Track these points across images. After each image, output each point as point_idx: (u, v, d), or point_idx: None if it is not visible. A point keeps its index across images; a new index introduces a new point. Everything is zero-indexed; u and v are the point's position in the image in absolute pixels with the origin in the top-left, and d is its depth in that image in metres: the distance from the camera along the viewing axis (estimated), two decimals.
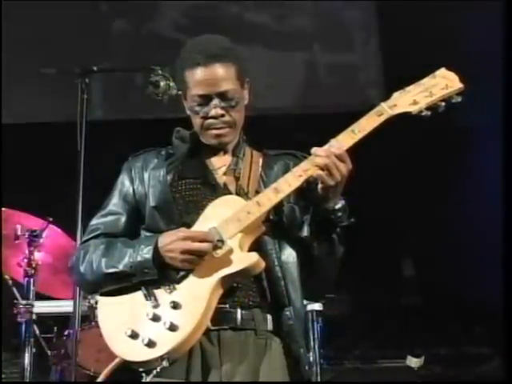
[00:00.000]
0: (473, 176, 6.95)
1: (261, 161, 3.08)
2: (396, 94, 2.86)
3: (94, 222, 3.08)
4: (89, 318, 5.04)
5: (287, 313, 2.87)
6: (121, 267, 2.84)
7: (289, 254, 2.93)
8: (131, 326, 2.79)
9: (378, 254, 7.20)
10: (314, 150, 2.81)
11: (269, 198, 2.81)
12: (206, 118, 2.99)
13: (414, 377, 6.43)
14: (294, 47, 8.18)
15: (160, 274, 2.80)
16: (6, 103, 7.23)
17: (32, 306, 4.86)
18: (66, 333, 4.99)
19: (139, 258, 2.81)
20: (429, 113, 2.80)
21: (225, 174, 3.03)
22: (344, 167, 2.79)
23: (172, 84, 4.14)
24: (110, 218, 3.05)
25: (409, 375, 6.46)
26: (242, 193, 2.95)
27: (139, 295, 2.83)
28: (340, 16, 8.19)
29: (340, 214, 2.86)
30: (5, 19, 7.51)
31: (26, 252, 4.91)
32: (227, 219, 2.81)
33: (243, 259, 2.77)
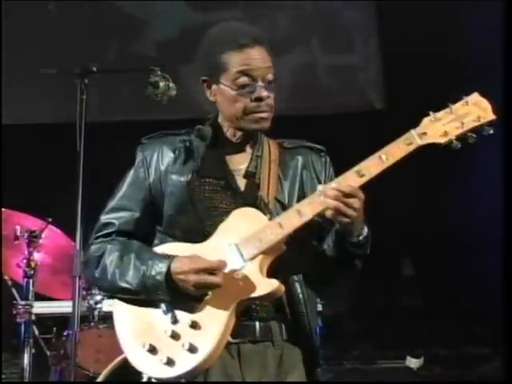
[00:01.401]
0: (473, 176, 6.95)
1: (278, 158, 3.00)
2: (426, 121, 2.76)
3: (107, 215, 2.99)
4: (88, 318, 5.05)
5: (305, 323, 2.86)
6: (134, 286, 2.81)
7: None
8: (149, 339, 2.78)
9: (378, 254, 7.20)
10: (322, 189, 2.72)
11: (292, 221, 2.74)
12: (251, 100, 2.86)
13: (414, 377, 6.44)
14: (294, 48, 8.17)
15: (173, 297, 2.77)
16: (5, 104, 7.22)
17: (31, 306, 4.86)
18: (65, 333, 4.99)
19: (152, 281, 2.77)
20: (459, 144, 2.72)
21: (244, 177, 2.95)
22: (357, 203, 2.69)
23: (172, 85, 4.14)
24: (123, 213, 2.96)
25: (408, 376, 6.47)
26: (262, 204, 2.88)
27: (157, 306, 2.82)
28: (340, 17, 8.18)
29: (362, 249, 2.81)
30: (5, 19, 7.51)
31: (26, 252, 4.90)
32: (248, 237, 2.76)
33: (264, 285, 2.73)
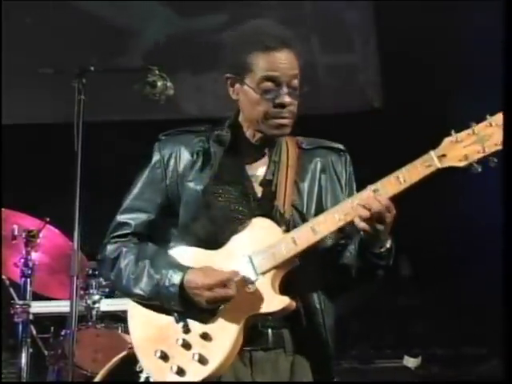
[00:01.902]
0: (472, 176, 6.94)
1: (296, 161, 2.95)
2: (446, 142, 2.67)
3: (123, 215, 2.98)
4: (86, 318, 5.05)
5: (322, 332, 2.86)
6: (148, 293, 2.83)
7: None
8: (161, 346, 2.81)
9: None
10: (359, 198, 2.69)
11: (306, 238, 2.72)
12: (274, 104, 2.81)
13: (412, 377, 6.44)
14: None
15: (186, 308, 2.78)
16: (4, 104, 7.21)
17: (29, 306, 4.86)
18: (62, 333, 4.99)
19: (165, 291, 2.78)
20: (479, 168, 2.63)
21: (261, 184, 2.92)
22: (389, 217, 2.68)
23: (169, 84, 4.13)
24: (139, 215, 2.95)
25: (406, 375, 6.47)
26: (278, 215, 2.84)
27: (170, 314, 2.83)
28: (339, 16, 8.18)
29: (384, 261, 2.79)
30: (4, 19, 7.50)
31: (23, 252, 4.90)
32: (262, 251, 2.75)
33: (275, 302, 2.73)
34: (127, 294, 2.91)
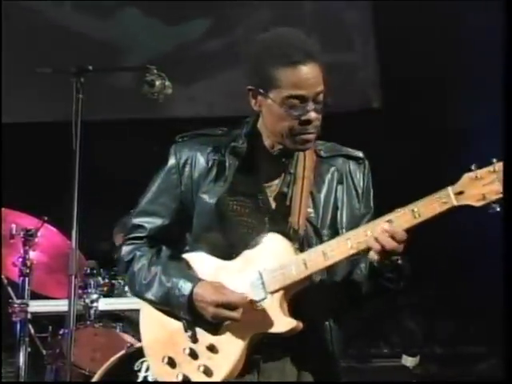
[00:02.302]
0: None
1: (312, 171, 2.90)
2: (466, 178, 2.59)
3: (138, 218, 2.98)
4: (84, 317, 5.04)
5: (329, 349, 2.87)
6: (158, 299, 2.86)
7: None
8: (169, 352, 2.85)
9: None
10: (371, 228, 2.66)
11: (317, 262, 2.71)
12: (299, 121, 2.76)
13: (410, 376, 6.44)
14: None
15: (194, 319, 2.80)
16: (4, 102, 7.21)
17: (27, 305, 4.86)
18: (61, 332, 4.99)
19: (175, 300, 2.80)
20: (497, 208, 2.54)
21: (276, 197, 2.89)
22: (400, 248, 2.66)
23: (167, 83, 4.13)
24: (154, 219, 2.95)
25: (404, 374, 6.46)
26: (291, 231, 2.82)
27: (181, 320, 2.86)
28: (339, 16, 8.18)
29: (394, 284, 2.78)
30: (4, 19, 7.50)
31: (21, 251, 4.90)
32: (272, 269, 2.75)
33: (282, 323, 2.73)
34: (139, 298, 2.95)
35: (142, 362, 4.62)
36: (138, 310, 5.21)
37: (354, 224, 2.85)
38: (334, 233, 2.86)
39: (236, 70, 7.72)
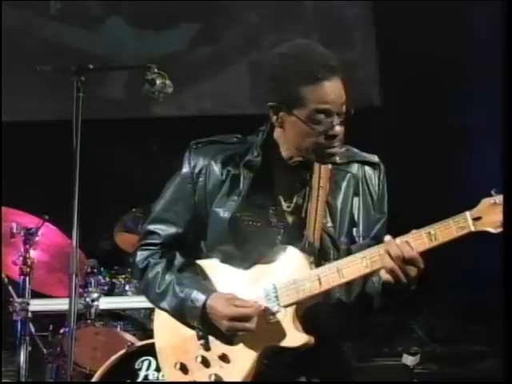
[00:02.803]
0: (473, 176, 6.94)
1: (328, 180, 2.87)
2: (485, 203, 2.54)
3: (152, 225, 2.98)
4: (85, 315, 5.04)
5: (340, 357, 2.94)
6: (172, 309, 2.87)
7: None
8: (182, 358, 2.88)
9: None
10: (386, 249, 2.65)
11: (331, 279, 2.71)
12: (326, 136, 2.75)
13: (410, 375, 6.44)
14: None
15: (207, 329, 2.82)
16: (4, 101, 7.21)
17: (28, 304, 4.85)
18: (61, 331, 4.99)
19: (188, 312, 2.82)
20: None
21: (291, 209, 2.87)
22: (414, 271, 2.65)
23: (168, 82, 4.12)
24: (168, 227, 2.94)
25: (405, 373, 6.47)
26: (307, 245, 2.81)
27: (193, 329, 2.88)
28: (339, 13, 8.18)
29: (405, 295, 2.77)
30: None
31: (22, 250, 4.89)
32: (287, 283, 2.75)
33: (295, 338, 2.74)
34: (154, 305, 2.97)
35: (142, 361, 4.63)
36: (138, 309, 5.29)
37: (369, 230, 2.88)
38: (351, 241, 2.86)
39: (224, 76, 7.77)
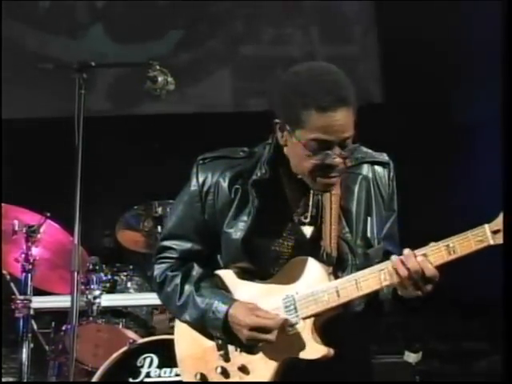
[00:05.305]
0: (473, 175, 6.94)
1: (339, 186, 2.82)
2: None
3: (167, 241, 2.97)
4: (87, 312, 5.05)
5: (362, 365, 2.98)
6: (194, 320, 2.87)
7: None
8: (202, 368, 2.89)
9: None
10: (406, 257, 2.66)
11: (349, 292, 2.71)
12: (322, 165, 2.67)
13: (412, 372, 6.43)
14: (293, 39, 8.17)
15: (229, 338, 2.82)
16: (4, 98, 7.21)
17: (30, 301, 4.85)
18: (63, 328, 4.99)
19: (210, 323, 2.82)
20: None
21: (305, 221, 2.83)
22: (430, 287, 2.67)
23: (170, 79, 4.13)
24: (183, 243, 2.94)
25: (407, 370, 6.46)
26: (325, 256, 2.79)
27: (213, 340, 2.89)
28: (339, 7, 8.18)
29: (417, 304, 2.78)
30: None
31: (24, 247, 4.89)
32: (306, 294, 2.76)
33: (314, 350, 2.74)
34: (176, 317, 2.98)
35: (144, 358, 4.63)
36: (140, 306, 5.29)
37: (381, 231, 2.89)
38: (367, 244, 2.85)
39: (207, 81, 7.75)
